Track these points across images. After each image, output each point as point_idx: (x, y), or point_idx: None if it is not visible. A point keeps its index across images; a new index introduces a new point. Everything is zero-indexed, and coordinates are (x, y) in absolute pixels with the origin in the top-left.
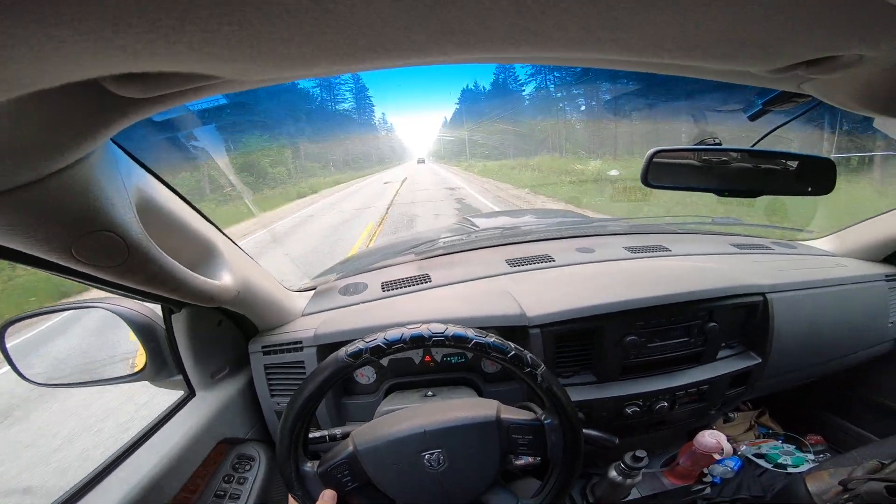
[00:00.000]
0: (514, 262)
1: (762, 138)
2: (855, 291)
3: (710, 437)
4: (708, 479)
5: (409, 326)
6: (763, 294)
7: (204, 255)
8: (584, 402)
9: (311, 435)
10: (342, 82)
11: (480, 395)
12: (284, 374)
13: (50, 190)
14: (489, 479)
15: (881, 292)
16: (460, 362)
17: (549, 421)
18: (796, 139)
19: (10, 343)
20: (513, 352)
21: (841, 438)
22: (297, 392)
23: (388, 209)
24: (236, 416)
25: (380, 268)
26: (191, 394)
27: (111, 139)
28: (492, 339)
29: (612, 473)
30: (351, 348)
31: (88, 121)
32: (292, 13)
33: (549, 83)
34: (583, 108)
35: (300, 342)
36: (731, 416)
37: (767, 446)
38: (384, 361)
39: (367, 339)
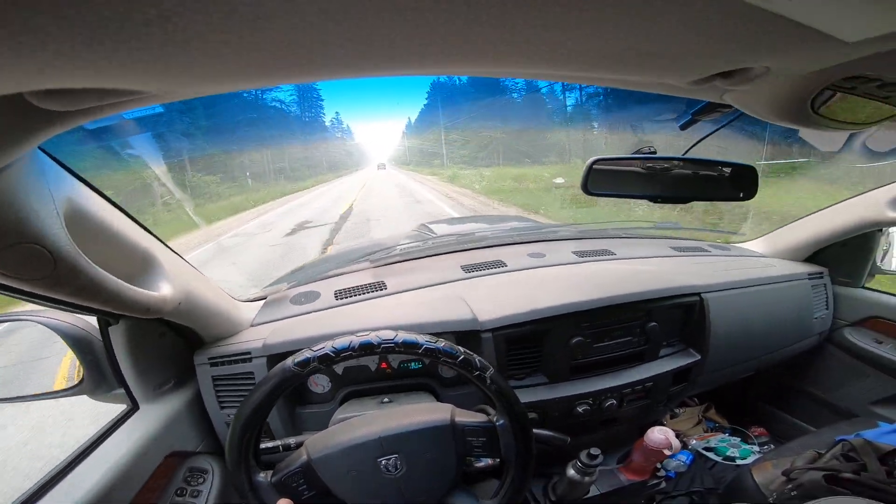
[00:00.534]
0: (468, 268)
1: (693, 146)
2: (782, 290)
3: (660, 433)
4: (662, 473)
5: (359, 334)
6: (699, 294)
7: (141, 266)
8: (538, 403)
9: (263, 445)
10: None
11: (438, 399)
12: (233, 386)
13: None
14: (448, 481)
15: (805, 290)
16: (417, 368)
17: (500, 422)
18: (732, 148)
19: None
20: (462, 356)
21: (782, 429)
22: (244, 403)
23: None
24: (185, 429)
25: (334, 276)
26: (134, 407)
27: (38, 147)
28: (441, 343)
29: (571, 472)
30: (298, 357)
31: (9, 132)
32: (215, 32)
33: (486, 94)
34: (526, 116)
35: (249, 353)
36: (678, 411)
37: (716, 440)
38: (338, 369)
39: (315, 348)
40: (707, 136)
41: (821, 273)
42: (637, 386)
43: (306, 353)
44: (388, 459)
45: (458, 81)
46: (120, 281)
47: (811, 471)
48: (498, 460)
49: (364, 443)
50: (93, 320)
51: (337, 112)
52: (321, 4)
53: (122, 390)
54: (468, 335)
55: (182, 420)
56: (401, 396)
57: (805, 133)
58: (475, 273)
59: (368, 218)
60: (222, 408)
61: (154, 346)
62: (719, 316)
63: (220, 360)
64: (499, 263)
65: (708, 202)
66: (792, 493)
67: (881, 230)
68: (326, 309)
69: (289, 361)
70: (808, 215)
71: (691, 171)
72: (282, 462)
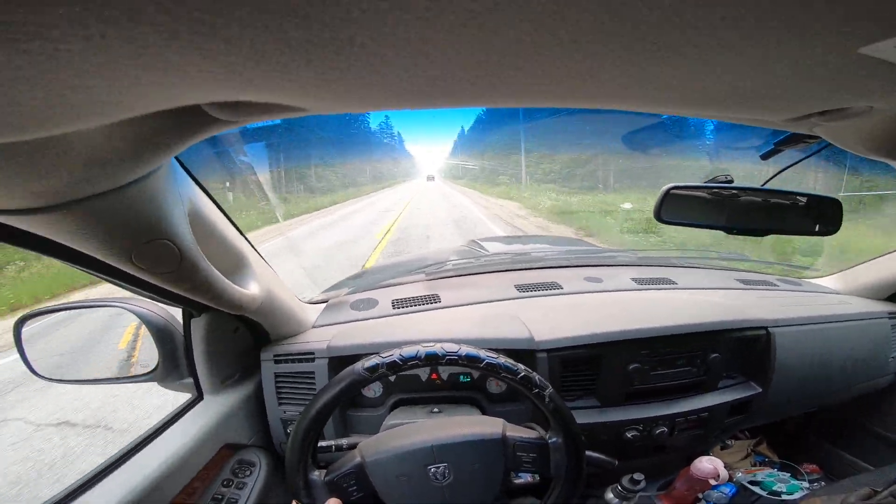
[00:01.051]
0: (522, 288)
1: (774, 176)
2: (858, 328)
3: (708, 463)
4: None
5: (424, 344)
6: (766, 328)
7: (236, 265)
8: (586, 426)
9: (320, 444)
10: None
11: (484, 413)
12: (294, 384)
13: (122, 199)
14: (492, 494)
15: (884, 329)
16: (466, 381)
17: (553, 440)
18: (810, 178)
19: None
20: (523, 373)
21: (837, 468)
22: (313, 401)
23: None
24: (241, 422)
25: (390, 285)
26: (199, 397)
27: None
28: (503, 360)
29: (609, 495)
30: (368, 363)
31: (174, 136)
32: (389, 65)
33: (562, 115)
34: (603, 143)
35: (312, 353)
36: (729, 443)
37: (763, 474)
38: (392, 377)
39: (384, 355)
40: (790, 165)
41: None
42: (691, 416)
43: (375, 359)
44: (438, 468)
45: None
46: (226, 279)
47: None
48: (538, 478)
49: (417, 449)
50: (177, 312)
51: (387, 116)
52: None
53: (191, 380)
54: (522, 354)
55: (239, 413)
56: (449, 408)
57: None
58: (529, 293)
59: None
60: (280, 404)
61: (227, 340)
62: (786, 351)
63: (285, 357)
64: (554, 285)
65: (778, 236)
66: None
67: None
68: (385, 317)
69: (358, 365)
70: (891, 252)
71: (773, 201)
72: (336, 462)
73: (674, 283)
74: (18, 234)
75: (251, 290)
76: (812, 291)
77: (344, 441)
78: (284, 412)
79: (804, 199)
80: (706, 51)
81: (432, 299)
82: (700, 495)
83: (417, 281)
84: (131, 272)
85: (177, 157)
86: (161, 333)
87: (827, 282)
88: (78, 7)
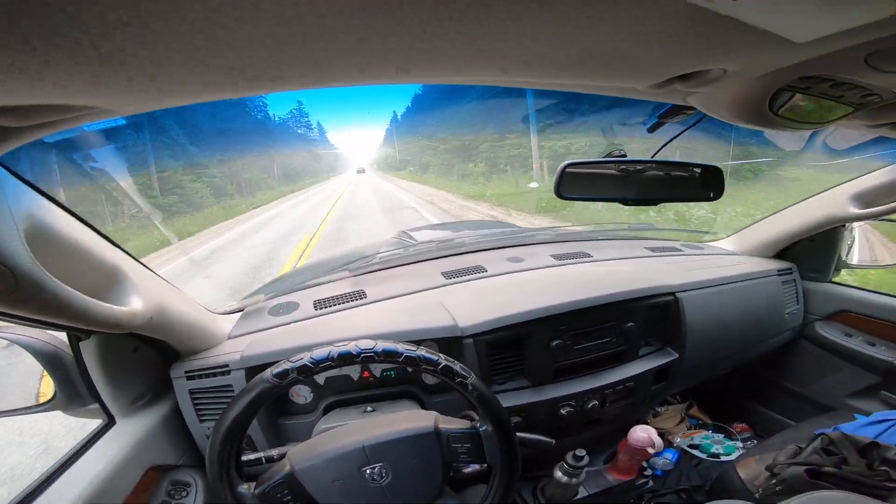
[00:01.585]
0: (449, 275)
1: (661, 148)
2: (754, 286)
3: (642, 432)
4: (649, 472)
5: (337, 344)
6: (673, 293)
7: (109, 280)
8: (521, 407)
9: (246, 458)
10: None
11: (423, 407)
12: (212, 399)
13: None
14: (434, 488)
15: (776, 286)
16: (401, 376)
17: (484, 428)
18: (700, 149)
19: None
20: (443, 363)
21: (763, 425)
22: (222, 415)
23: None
24: (164, 443)
25: (312, 286)
26: (110, 422)
27: None
28: (421, 351)
29: (558, 474)
30: (277, 369)
31: None
32: (158, 50)
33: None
34: (499, 123)
35: (226, 365)
36: (660, 410)
37: (700, 437)
38: (320, 380)
39: (293, 359)
40: (673, 138)
41: (790, 269)
42: (618, 386)
43: (285, 365)
44: (374, 468)
45: (419, 90)
46: (86, 297)
47: (793, 465)
48: (485, 465)
49: (348, 452)
50: (63, 336)
51: (300, 102)
52: (269, 18)
53: (96, 405)
54: (450, 342)
55: (161, 434)
56: (385, 405)
57: (769, 133)
58: (455, 279)
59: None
60: (202, 421)
61: (128, 361)
62: (694, 314)
63: (198, 373)
64: (479, 269)
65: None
66: (776, 489)
67: (844, 226)
68: (305, 319)
69: (267, 373)
70: (775, 213)
71: (664, 172)
72: (265, 474)
73: (590, 255)
74: None
75: (132, 305)
76: (712, 254)
77: (274, 452)
78: (209, 429)
79: (690, 169)
80: (549, 12)
81: (357, 296)
82: (645, 463)
83: (342, 279)
84: None
85: (6, 167)
86: (49, 360)
87: (725, 244)
88: None
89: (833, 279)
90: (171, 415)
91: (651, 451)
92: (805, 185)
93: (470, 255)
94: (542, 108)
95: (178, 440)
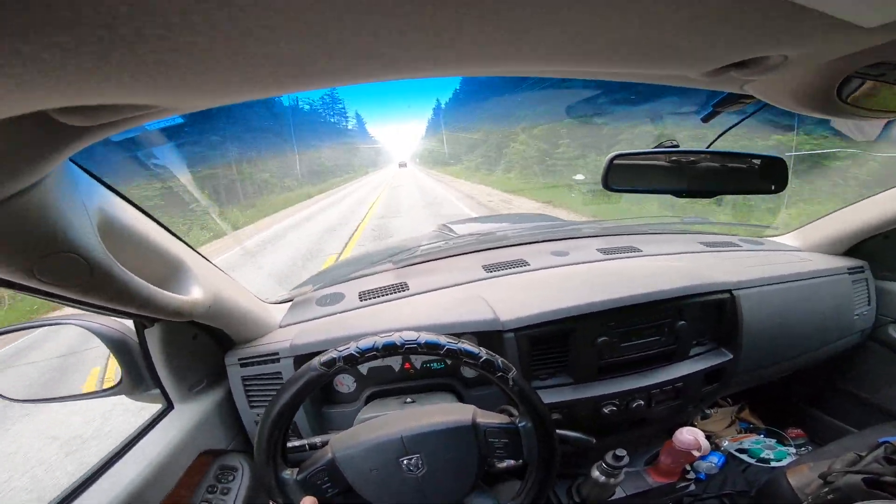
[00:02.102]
0: (490, 268)
1: (717, 138)
2: (820, 285)
3: (688, 434)
4: (692, 475)
5: (382, 335)
6: (730, 291)
7: (172, 271)
8: (562, 404)
9: (290, 444)
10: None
11: (461, 400)
12: (262, 386)
13: (5, 214)
14: (469, 482)
15: (845, 285)
16: (440, 368)
17: (523, 424)
18: (757, 139)
19: None
20: (484, 357)
21: (821, 431)
22: (271, 402)
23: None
24: (216, 428)
25: (357, 277)
26: (169, 407)
27: (70, 160)
28: (464, 345)
29: (596, 473)
30: (324, 357)
31: (37, 148)
32: (212, 49)
33: (508, 91)
34: (545, 114)
35: (277, 353)
36: (709, 412)
37: (749, 441)
38: (363, 370)
39: (340, 349)
40: (730, 128)
41: (861, 267)
42: (666, 386)
43: (332, 354)
44: (410, 459)
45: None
46: (152, 286)
47: (850, 474)
48: (520, 461)
49: (386, 442)
50: (130, 323)
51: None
52: (318, 18)
53: (157, 390)
54: (490, 335)
55: (214, 419)
56: (424, 397)
57: (838, 123)
58: (497, 273)
59: None
60: (252, 407)
61: (187, 348)
62: (753, 313)
63: (250, 360)
64: (521, 262)
65: (737, 197)
66: (829, 497)
67: None
68: (351, 310)
69: (315, 361)
70: (846, 206)
71: (719, 163)
72: (308, 460)
73: (639, 250)
74: None
75: (193, 294)
76: (774, 250)
77: (317, 439)
78: (258, 415)
79: (749, 160)
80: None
81: (400, 288)
82: (688, 466)
83: (386, 271)
84: (40, 287)
85: (79, 165)
86: (117, 346)
87: (787, 239)
88: None
89: None
90: (223, 401)
91: (696, 454)
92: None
93: (512, 248)
94: (588, 98)
95: (228, 426)
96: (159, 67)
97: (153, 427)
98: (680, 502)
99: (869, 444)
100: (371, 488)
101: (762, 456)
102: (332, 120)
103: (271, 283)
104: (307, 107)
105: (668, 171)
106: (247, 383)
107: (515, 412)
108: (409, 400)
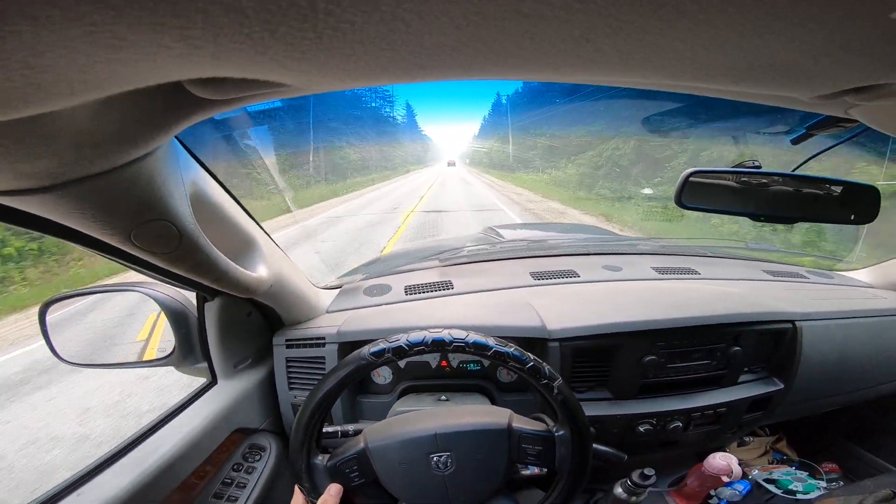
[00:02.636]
0: (538, 275)
1: (804, 162)
2: (890, 324)
3: (721, 459)
4: (714, 501)
5: (432, 330)
6: (793, 322)
7: (243, 248)
8: (597, 418)
9: (325, 430)
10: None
11: (493, 403)
12: (304, 369)
13: (119, 180)
14: (494, 486)
15: None
16: (476, 369)
17: (560, 433)
18: (843, 164)
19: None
20: (531, 363)
21: (857, 467)
22: (318, 385)
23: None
24: (253, 407)
25: (404, 271)
26: (213, 381)
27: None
28: (511, 348)
29: (618, 490)
30: (374, 347)
31: (164, 117)
32: (365, 33)
33: (586, 98)
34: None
35: (323, 338)
36: (747, 440)
37: (780, 472)
38: (401, 363)
39: (391, 340)
40: (825, 150)
41: None
42: (708, 411)
43: (382, 344)
44: (440, 457)
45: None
46: (229, 261)
47: None
48: (545, 470)
49: (420, 437)
50: (191, 296)
51: (408, 103)
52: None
53: (205, 364)
54: (534, 342)
55: (252, 397)
56: (457, 396)
57: None
58: (545, 281)
59: None
60: (290, 388)
61: (241, 325)
62: (813, 346)
63: (296, 342)
64: (571, 273)
65: (809, 226)
66: None
67: None
68: (397, 303)
69: (364, 350)
70: None
71: (793, 188)
72: (339, 447)
73: (696, 272)
74: (14, 213)
75: (259, 272)
76: (844, 285)
77: (350, 427)
78: (295, 397)
79: (838, 187)
80: (725, 20)
81: (445, 286)
82: (712, 492)
83: (431, 267)
84: (131, 252)
85: (179, 140)
86: (177, 317)
87: (860, 275)
88: None
89: None
90: (263, 381)
91: (725, 479)
92: None
93: (561, 257)
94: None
95: (264, 406)
96: (313, 43)
97: (195, 401)
98: None
99: None
100: (397, 482)
101: (790, 487)
102: (386, 113)
103: (319, 265)
104: (365, 98)
105: (748, 191)
106: (290, 365)
107: (550, 421)
108: (443, 398)
